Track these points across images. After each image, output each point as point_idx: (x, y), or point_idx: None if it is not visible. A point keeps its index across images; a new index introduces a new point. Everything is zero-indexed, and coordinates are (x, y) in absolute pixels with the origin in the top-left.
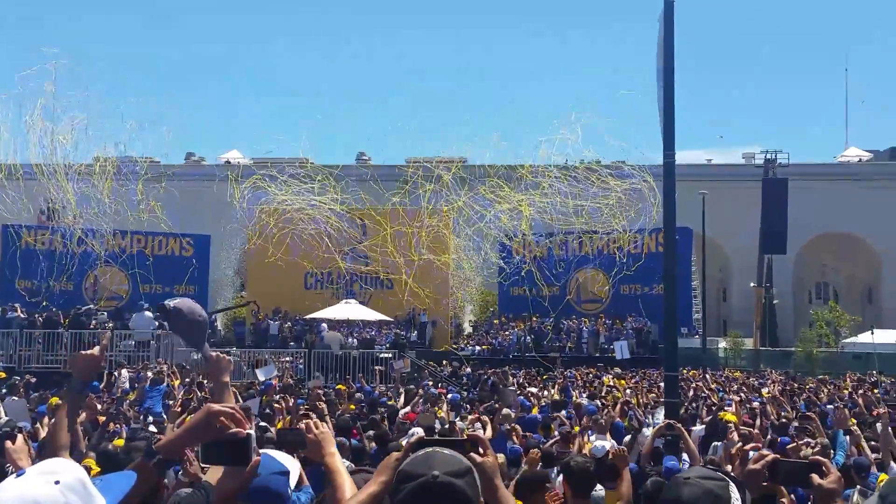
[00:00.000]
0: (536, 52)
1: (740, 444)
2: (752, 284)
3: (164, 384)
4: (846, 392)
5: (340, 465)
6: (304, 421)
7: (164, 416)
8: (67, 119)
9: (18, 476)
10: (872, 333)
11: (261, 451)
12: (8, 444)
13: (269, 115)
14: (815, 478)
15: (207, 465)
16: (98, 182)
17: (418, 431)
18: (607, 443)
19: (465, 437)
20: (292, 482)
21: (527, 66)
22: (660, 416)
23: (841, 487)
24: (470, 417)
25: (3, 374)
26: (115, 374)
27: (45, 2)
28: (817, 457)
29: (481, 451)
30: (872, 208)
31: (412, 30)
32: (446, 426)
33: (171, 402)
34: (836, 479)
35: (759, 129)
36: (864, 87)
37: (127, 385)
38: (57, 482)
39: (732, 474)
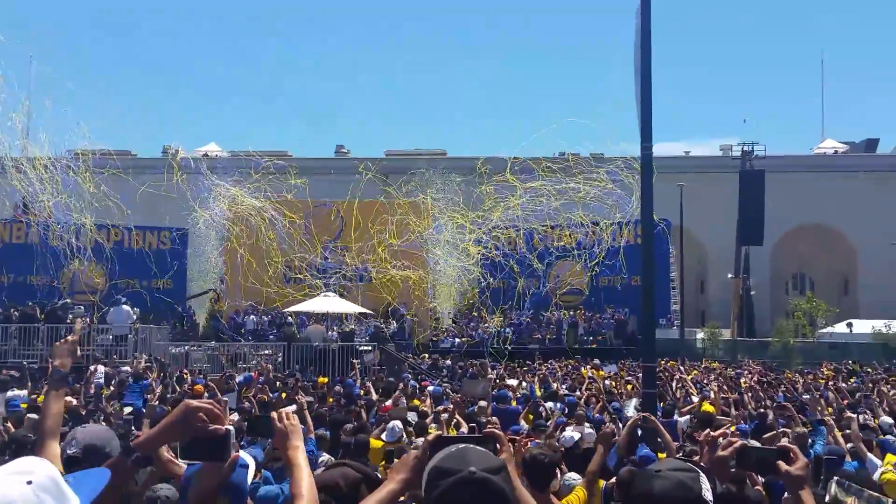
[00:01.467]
0: (513, 45)
1: (708, 430)
2: (729, 275)
3: (147, 380)
4: (822, 382)
5: (303, 460)
6: (277, 411)
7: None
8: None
9: None
10: (850, 327)
11: None
12: None
13: (247, 109)
14: (782, 465)
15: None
16: (78, 176)
17: (397, 425)
18: (577, 434)
19: (483, 434)
20: (250, 476)
21: (503, 58)
22: (630, 408)
23: (808, 475)
24: (438, 409)
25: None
26: (91, 368)
27: None
28: (785, 443)
29: (499, 447)
30: (849, 200)
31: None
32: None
33: (149, 397)
34: (803, 466)
35: (736, 121)
36: (841, 79)
37: (102, 380)
38: (29, 482)
39: (702, 464)
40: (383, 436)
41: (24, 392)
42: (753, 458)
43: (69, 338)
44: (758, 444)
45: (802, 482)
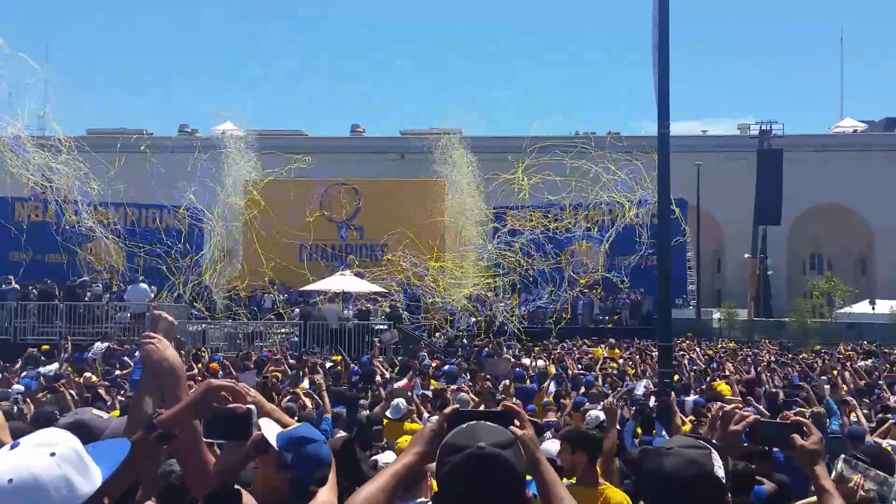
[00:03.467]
0: (529, 21)
1: (720, 404)
2: (746, 255)
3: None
4: (837, 362)
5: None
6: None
7: None
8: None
9: (13, 448)
10: (873, 306)
11: (303, 423)
12: None
13: (263, 88)
14: (797, 438)
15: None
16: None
17: (401, 402)
18: (601, 412)
19: (502, 408)
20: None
21: (519, 35)
22: (641, 388)
23: (822, 449)
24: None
25: (46, 346)
26: (96, 344)
27: None
28: (798, 418)
29: (518, 423)
30: (867, 180)
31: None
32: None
33: None
34: (817, 441)
35: (753, 100)
36: (860, 57)
37: (98, 357)
38: (52, 454)
39: (714, 441)
40: (388, 412)
41: (55, 366)
42: (766, 433)
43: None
44: (770, 420)
45: (817, 457)
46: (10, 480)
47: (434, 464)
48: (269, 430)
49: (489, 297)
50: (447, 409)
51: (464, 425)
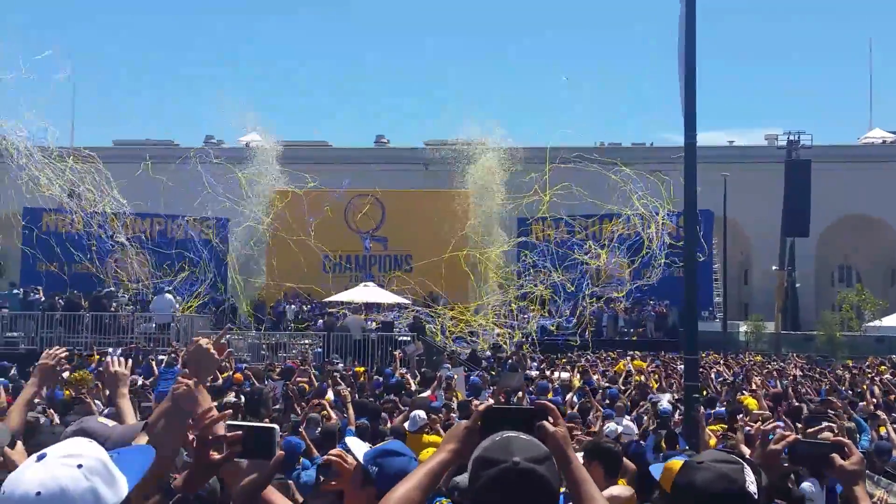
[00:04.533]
0: (553, 30)
1: (759, 423)
2: (773, 267)
3: (178, 366)
4: (868, 376)
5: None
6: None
7: None
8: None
9: (40, 459)
10: None
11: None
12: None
13: (288, 99)
14: (837, 459)
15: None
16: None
17: (419, 414)
18: (620, 426)
19: (535, 405)
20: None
21: (544, 45)
22: (664, 401)
23: (864, 469)
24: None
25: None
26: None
27: None
28: (839, 438)
29: (551, 420)
30: None
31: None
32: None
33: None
34: (858, 461)
35: (781, 111)
36: (889, 67)
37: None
38: (80, 465)
39: (748, 457)
40: (406, 424)
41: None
42: (807, 453)
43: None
44: (811, 439)
45: (857, 477)
46: (39, 493)
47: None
48: (357, 447)
49: (514, 309)
50: (481, 406)
51: (497, 437)
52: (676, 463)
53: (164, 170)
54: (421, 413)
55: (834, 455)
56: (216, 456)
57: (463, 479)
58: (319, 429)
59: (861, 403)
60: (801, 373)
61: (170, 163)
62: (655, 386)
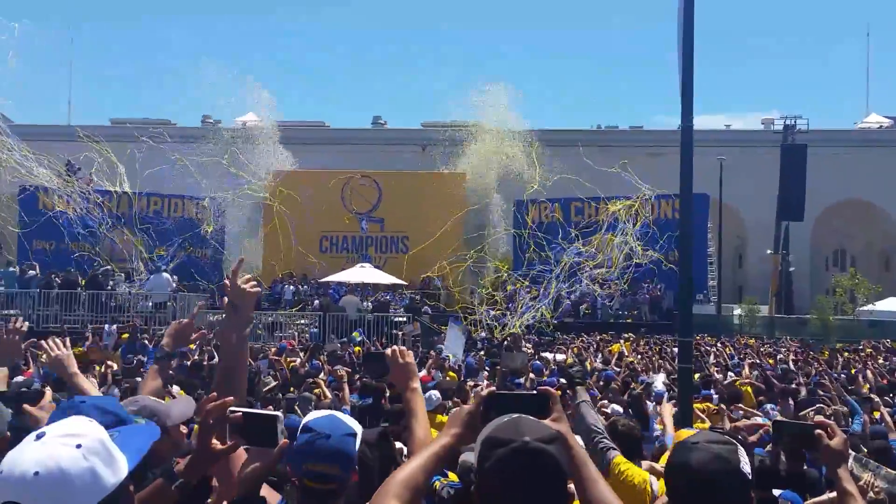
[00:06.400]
0: (550, 12)
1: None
2: (768, 251)
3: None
4: (862, 361)
5: (420, 402)
6: (390, 348)
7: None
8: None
9: (38, 439)
10: None
11: (330, 412)
12: (26, 406)
13: (284, 79)
14: (824, 437)
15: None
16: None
17: (434, 393)
18: (619, 407)
19: (537, 391)
20: (357, 443)
21: (539, 26)
22: (659, 383)
23: (846, 450)
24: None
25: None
26: (105, 328)
27: None
28: (821, 418)
29: (551, 404)
30: (892, 176)
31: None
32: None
33: (186, 363)
34: (842, 442)
35: (778, 95)
36: (887, 52)
37: (111, 341)
38: (78, 445)
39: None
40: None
41: None
42: (790, 434)
43: (185, 320)
44: (793, 420)
45: (841, 458)
46: (37, 473)
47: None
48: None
49: (509, 289)
50: (483, 391)
51: (505, 418)
52: (685, 433)
53: (161, 149)
54: (436, 392)
55: (820, 433)
56: (218, 446)
57: (469, 456)
58: (311, 407)
59: (851, 387)
60: (793, 357)
61: (168, 142)
62: (640, 367)
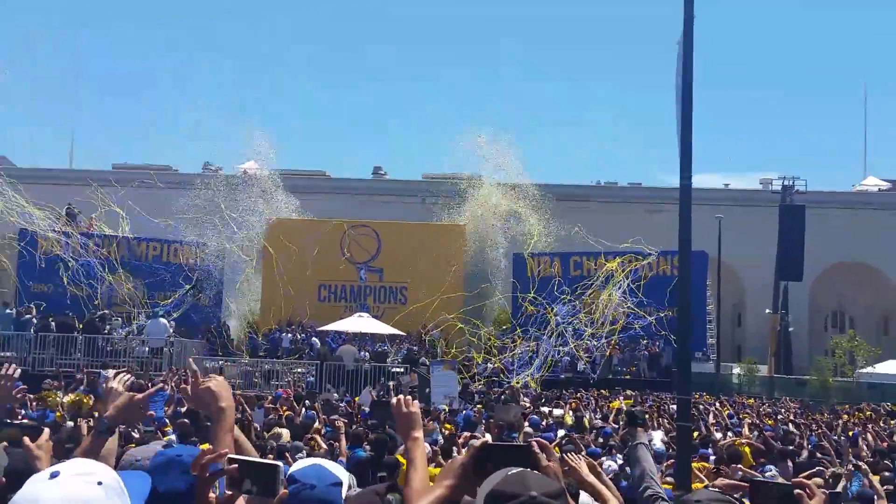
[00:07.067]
0: (548, 68)
1: (715, 472)
2: (767, 311)
3: (167, 390)
4: (861, 424)
5: (420, 452)
6: (396, 397)
7: (167, 422)
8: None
9: (53, 477)
10: None
11: (315, 461)
12: (27, 441)
13: (285, 128)
14: (805, 499)
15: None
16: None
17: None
18: (615, 462)
19: (529, 443)
20: (344, 492)
21: (540, 80)
22: (657, 440)
23: None
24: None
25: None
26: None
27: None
28: (801, 479)
29: (545, 456)
30: (891, 239)
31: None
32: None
33: (181, 409)
34: (820, 501)
35: (776, 156)
36: (884, 113)
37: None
38: (100, 483)
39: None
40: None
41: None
42: (768, 495)
43: (138, 396)
44: (770, 480)
45: None
46: None
47: None
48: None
49: (507, 343)
50: (476, 443)
51: (510, 472)
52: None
53: (162, 194)
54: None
55: (800, 493)
56: (214, 500)
57: None
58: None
59: (854, 449)
60: (793, 418)
61: (169, 188)
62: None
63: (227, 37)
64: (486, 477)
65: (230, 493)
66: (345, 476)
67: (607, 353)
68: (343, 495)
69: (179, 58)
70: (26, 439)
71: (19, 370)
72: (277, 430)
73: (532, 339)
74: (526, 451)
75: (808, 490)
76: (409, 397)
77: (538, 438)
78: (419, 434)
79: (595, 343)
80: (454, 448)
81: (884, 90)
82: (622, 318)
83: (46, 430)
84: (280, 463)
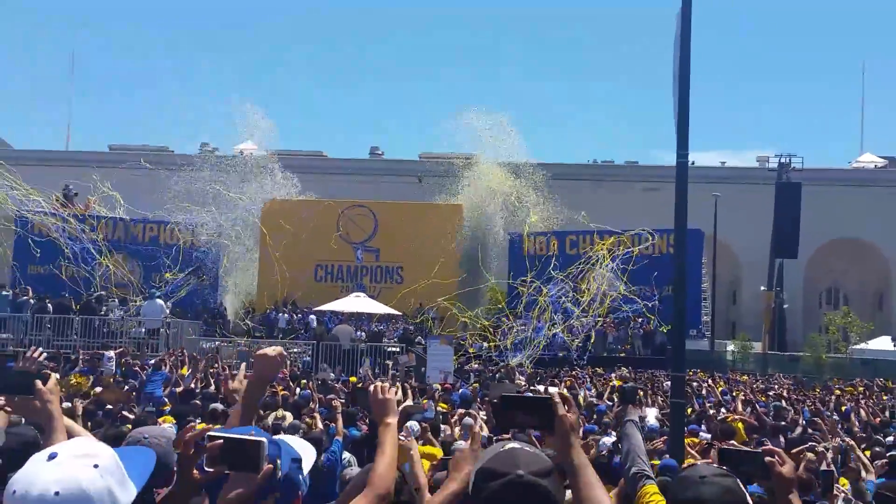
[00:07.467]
0: (547, 51)
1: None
2: (762, 288)
3: (165, 370)
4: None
5: (388, 441)
6: (374, 384)
7: (165, 401)
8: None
9: (51, 458)
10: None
11: (277, 437)
12: (38, 384)
13: (283, 109)
14: (776, 466)
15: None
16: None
17: (413, 425)
18: (610, 439)
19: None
20: (305, 469)
21: (537, 62)
22: (651, 417)
23: (795, 478)
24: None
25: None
26: (105, 354)
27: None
28: (770, 447)
29: (566, 407)
30: (886, 215)
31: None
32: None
33: (177, 390)
34: (792, 469)
35: (773, 133)
36: (882, 91)
37: (112, 366)
38: (96, 465)
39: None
40: (401, 434)
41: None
42: (738, 462)
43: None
44: (739, 448)
45: (791, 485)
46: (57, 493)
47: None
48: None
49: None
50: (496, 395)
51: (501, 449)
52: (651, 487)
53: (159, 175)
54: (415, 424)
55: (770, 461)
56: (198, 476)
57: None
58: (299, 435)
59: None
60: (786, 394)
61: (166, 169)
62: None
63: (227, 37)
64: (510, 426)
65: (211, 469)
66: (306, 453)
67: (595, 330)
68: (303, 472)
69: (180, 58)
70: (38, 382)
71: (45, 353)
72: (281, 412)
73: (522, 322)
74: (545, 402)
75: (778, 458)
76: (386, 384)
77: (555, 390)
78: (392, 420)
79: (580, 323)
80: (447, 427)
81: (881, 67)
82: (608, 299)
83: (55, 375)
84: (264, 439)
